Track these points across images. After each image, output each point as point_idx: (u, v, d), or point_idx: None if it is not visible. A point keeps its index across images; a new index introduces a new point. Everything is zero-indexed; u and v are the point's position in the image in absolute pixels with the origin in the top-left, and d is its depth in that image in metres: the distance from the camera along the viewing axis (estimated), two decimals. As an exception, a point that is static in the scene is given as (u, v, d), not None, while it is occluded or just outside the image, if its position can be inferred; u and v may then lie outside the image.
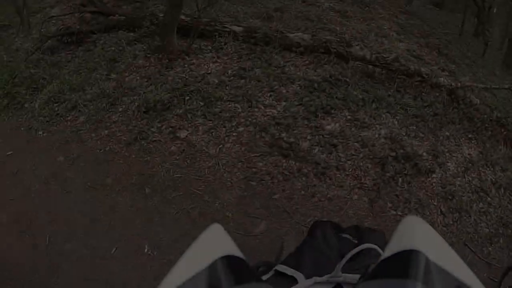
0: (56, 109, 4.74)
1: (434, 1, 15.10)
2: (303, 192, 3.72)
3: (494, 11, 13.79)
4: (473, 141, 4.99)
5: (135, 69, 5.08)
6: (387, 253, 0.57)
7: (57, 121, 4.61)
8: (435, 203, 4.08)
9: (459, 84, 5.35)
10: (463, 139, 4.92)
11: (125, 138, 4.14)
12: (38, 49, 5.83)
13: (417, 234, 0.59)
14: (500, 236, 4.18)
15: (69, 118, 4.58)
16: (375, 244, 1.05)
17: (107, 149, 4.08)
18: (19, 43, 6.86)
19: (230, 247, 0.61)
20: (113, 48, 5.45)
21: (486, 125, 5.21)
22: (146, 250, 3.10)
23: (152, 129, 4.17)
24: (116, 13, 6.12)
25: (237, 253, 0.61)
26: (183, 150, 3.96)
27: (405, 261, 0.51)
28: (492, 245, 4.04)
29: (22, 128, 4.68)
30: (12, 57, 6.31)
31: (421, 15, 9.91)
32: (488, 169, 4.74)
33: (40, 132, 4.52)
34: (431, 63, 6.27)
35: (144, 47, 5.40)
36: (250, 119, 4.18)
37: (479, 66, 7.97)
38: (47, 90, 5.06)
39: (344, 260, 0.84)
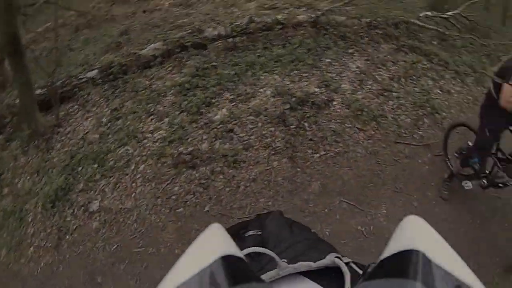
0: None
1: None
2: (227, 189, 3.76)
3: None
4: (355, 54, 5.16)
5: (20, 170, 4.83)
6: (386, 252, 0.57)
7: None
8: (349, 125, 4.18)
9: (319, 13, 5.51)
10: (346, 57, 5.09)
11: (50, 244, 3.97)
12: None
13: (417, 234, 0.60)
14: (423, 117, 4.44)
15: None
16: (273, 231, 1.13)
17: (41, 266, 3.87)
18: None
19: (230, 247, 0.61)
20: None
21: (361, 33, 5.45)
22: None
23: (66, 219, 4.03)
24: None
25: (237, 253, 0.61)
26: (104, 220, 3.86)
27: (405, 261, 0.51)
28: (420, 129, 4.29)
29: None
30: None
31: None
32: (380, 70, 4.95)
33: None
34: (284, 7, 6.36)
35: (18, 142, 5.11)
36: (144, 153, 4.13)
37: None
38: None
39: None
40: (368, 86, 4.65)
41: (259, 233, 1.23)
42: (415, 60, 5.38)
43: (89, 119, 4.89)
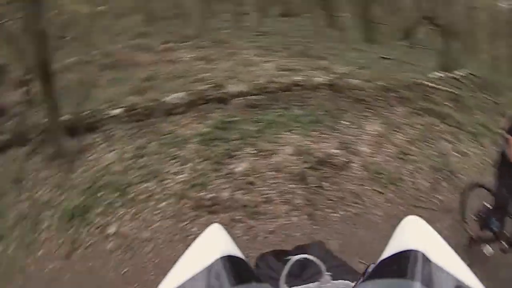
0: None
1: (282, 13, 16.48)
2: (246, 237, 3.98)
3: None
4: (370, 117, 5.45)
5: (41, 182, 5.27)
6: (386, 253, 0.60)
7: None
8: (368, 187, 4.36)
9: (334, 76, 6.02)
10: (362, 119, 5.39)
11: (62, 252, 4.30)
12: None
13: (417, 234, 0.62)
14: (441, 181, 4.56)
15: (0, 249, 4.63)
16: (316, 255, 1.02)
17: (50, 268, 4.17)
18: None
19: (230, 247, 0.65)
20: (12, 168, 5.64)
21: (376, 96, 5.80)
22: None
23: (82, 235, 4.38)
24: (-1, 131, 6.27)
25: (237, 253, 0.65)
26: (120, 244, 4.14)
27: (405, 261, 0.54)
28: (439, 193, 4.40)
29: None
30: None
31: (275, 30, 10.94)
32: (397, 133, 5.23)
33: None
34: (302, 69, 6.89)
35: (42, 157, 5.62)
36: (166, 192, 4.55)
37: (344, 51, 8.94)
38: None
39: (284, 272, 0.79)
40: (385, 149, 4.88)
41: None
42: (430, 122, 5.67)
43: (113, 152, 5.34)
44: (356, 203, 4.27)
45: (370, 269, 0.64)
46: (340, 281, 0.81)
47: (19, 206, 5.04)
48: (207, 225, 3.21)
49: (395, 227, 0.67)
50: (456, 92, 6.58)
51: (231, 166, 4.66)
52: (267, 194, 4.30)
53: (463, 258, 0.54)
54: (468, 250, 3.70)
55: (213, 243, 0.67)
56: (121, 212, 4.48)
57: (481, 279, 0.53)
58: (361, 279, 0.66)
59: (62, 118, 5.58)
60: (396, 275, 0.53)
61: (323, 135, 5.05)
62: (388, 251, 0.61)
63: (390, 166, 4.67)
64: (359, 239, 3.96)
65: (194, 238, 2.89)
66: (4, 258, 4.53)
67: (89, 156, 5.42)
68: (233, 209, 4.19)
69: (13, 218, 4.92)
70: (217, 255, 0.58)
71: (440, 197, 4.41)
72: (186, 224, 4.20)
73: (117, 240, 4.22)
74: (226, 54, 8.24)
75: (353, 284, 0.79)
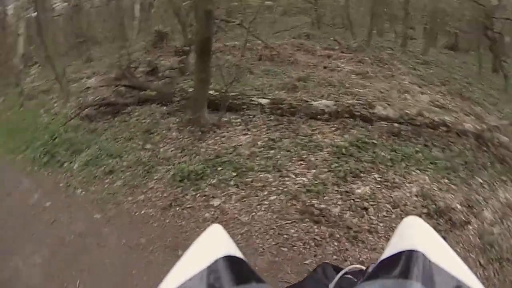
0: (94, 171, 5.23)
1: (448, 45, 15.63)
2: (335, 256, 3.83)
3: (509, 40, 14.02)
4: (508, 184, 5.02)
5: (169, 140, 5.58)
6: (387, 253, 0.61)
7: (95, 182, 5.05)
8: (473, 256, 4.03)
9: (484, 126, 5.55)
10: (498, 183, 4.96)
11: (160, 204, 4.47)
12: (77, 116, 6.56)
13: (417, 234, 0.63)
14: None
15: (106, 181, 5.02)
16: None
17: (142, 213, 4.39)
18: (58, 108, 7.75)
19: (230, 248, 0.64)
20: (147, 120, 6.08)
21: None
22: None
23: (186, 196, 4.50)
24: (148, 87, 6.79)
25: (237, 253, 0.64)
26: (217, 217, 4.21)
27: (405, 261, 0.54)
28: None
29: (60, 184, 5.17)
30: (52, 120, 7.10)
31: (438, 62, 10.46)
32: None
33: (79, 190, 4.96)
34: (455, 110, 6.54)
35: (177, 120, 5.98)
36: (281, 188, 4.48)
37: (504, 102, 8.21)
38: (85, 153, 5.61)
39: (334, 280, 0.84)
40: (508, 223, 4.47)
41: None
42: None
43: (246, 136, 5.48)
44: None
45: (370, 269, 0.65)
46: None
47: (140, 154, 5.36)
48: (306, 231, 4.04)
49: None
50: None
51: (353, 186, 4.52)
52: (375, 224, 4.10)
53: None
54: None
55: (214, 243, 0.66)
56: (232, 191, 4.52)
57: None
58: (361, 279, 0.66)
59: (210, 92, 5.82)
60: (396, 275, 0.52)
61: (452, 186, 4.70)
62: (388, 251, 0.61)
63: (506, 243, 4.16)
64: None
65: (287, 239, 3.95)
66: (108, 190, 4.85)
67: (223, 133, 5.59)
68: (336, 226, 4.05)
69: (130, 161, 5.24)
70: (218, 255, 0.58)
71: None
72: (286, 223, 4.10)
73: (216, 213, 4.29)
74: (384, 75, 8.09)
75: None
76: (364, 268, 0.96)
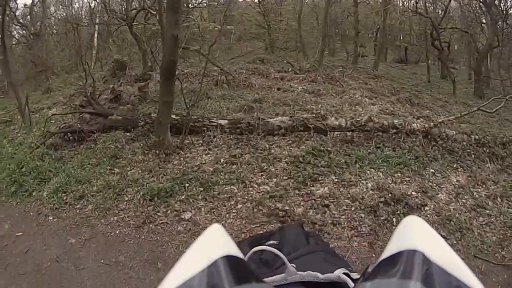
0: (65, 198, 5.32)
1: (397, 59, 16.62)
2: None
3: (455, 47, 14.98)
4: (459, 170, 5.50)
5: (135, 164, 5.82)
6: (386, 253, 0.60)
7: (66, 208, 5.14)
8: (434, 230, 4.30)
9: (431, 123, 6.07)
10: (449, 170, 5.46)
11: (133, 222, 4.66)
12: (42, 144, 6.65)
13: (417, 234, 0.62)
14: (510, 238, 4.44)
15: (78, 206, 5.13)
16: (290, 239, 1.24)
17: (117, 232, 4.55)
18: (22, 138, 7.79)
19: (230, 247, 0.63)
20: (113, 146, 6.28)
21: (468, 150, 5.83)
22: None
23: (158, 213, 4.73)
24: (112, 114, 7.00)
25: (237, 253, 0.63)
26: (189, 229, 4.46)
27: (405, 261, 0.54)
28: (504, 249, 4.26)
29: (31, 213, 5.19)
30: (16, 150, 7.10)
31: (388, 75, 11.29)
32: (480, 187, 5.22)
33: (50, 217, 5.01)
34: (404, 115, 7.11)
35: (141, 144, 6.25)
36: (246, 197, 4.85)
37: (452, 104, 9.05)
38: (54, 181, 5.68)
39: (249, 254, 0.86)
40: (463, 200, 4.88)
41: (277, 242, 1.31)
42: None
43: (209, 155, 5.85)
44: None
45: (369, 269, 0.63)
46: (307, 272, 0.83)
47: (109, 178, 5.53)
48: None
49: None
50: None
51: (313, 188, 4.95)
52: (337, 217, 4.47)
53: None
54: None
55: (213, 243, 0.66)
56: (200, 204, 4.81)
57: None
58: (361, 279, 0.66)
59: (172, 116, 6.12)
60: (396, 275, 0.53)
61: (406, 178, 5.18)
62: (388, 251, 0.60)
63: (462, 215, 4.60)
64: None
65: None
66: (80, 214, 4.97)
67: (186, 154, 5.93)
68: (302, 223, 4.28)
69: (100, 185, 5.40)
70: (217, 255, 0.58)
71: (503, 253, 4.22)
72: (255, 227, 4.42)
73: (188, 225, 4.52)
74: (336, 91, 8.68)
75: (321, 275, 0.83)
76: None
